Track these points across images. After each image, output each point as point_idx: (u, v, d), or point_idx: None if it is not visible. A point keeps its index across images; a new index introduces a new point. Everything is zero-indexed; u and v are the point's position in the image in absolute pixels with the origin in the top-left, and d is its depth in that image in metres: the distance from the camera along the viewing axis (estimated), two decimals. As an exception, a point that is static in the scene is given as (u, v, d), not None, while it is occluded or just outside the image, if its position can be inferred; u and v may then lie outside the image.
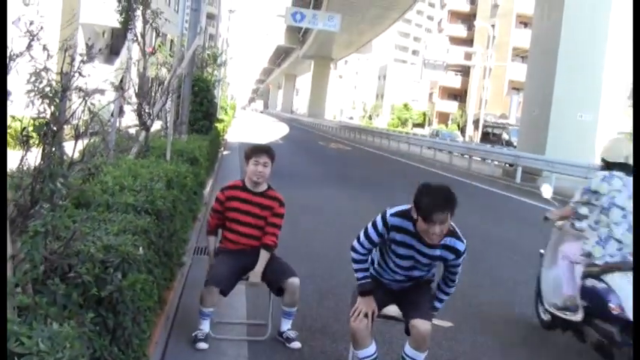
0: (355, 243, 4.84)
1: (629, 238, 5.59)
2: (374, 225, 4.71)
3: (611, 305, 5.19)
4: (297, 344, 5.71)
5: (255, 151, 5.80)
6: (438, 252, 4.64)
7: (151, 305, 4.28)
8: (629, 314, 4.92)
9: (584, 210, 6.02)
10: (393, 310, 5.00)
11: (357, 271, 4.86)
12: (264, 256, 5.73)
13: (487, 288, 8.49)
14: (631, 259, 5.45)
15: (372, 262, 5.02)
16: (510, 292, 8.35)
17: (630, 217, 5.65)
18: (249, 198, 5.82)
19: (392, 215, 4.65)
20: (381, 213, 4.72)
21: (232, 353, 5.49)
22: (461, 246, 4.65)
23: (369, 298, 4.77)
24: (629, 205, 5.65)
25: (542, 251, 6.94)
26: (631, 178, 5.70)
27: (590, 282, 5.63)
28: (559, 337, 6.32)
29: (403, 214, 4.61)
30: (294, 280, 5.63)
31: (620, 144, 6.16)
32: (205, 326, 5.61)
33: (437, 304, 5.00)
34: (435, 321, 4.99)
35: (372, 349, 4.68)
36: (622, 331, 5.03)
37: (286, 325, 5.80)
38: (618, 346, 5.04)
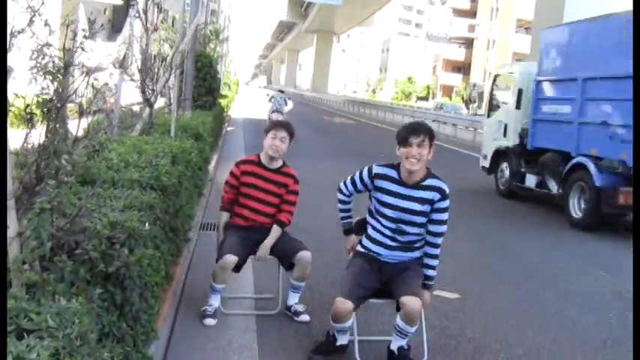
0: (341, 184, 5.17)
1: None
2: (360, 173, 4.96)
3: None
4: (305, 317, 5.72)
5: (275, 124, 5.76)
6: (422, 193, 4.70)
7: (158, 281, 4.29)
8: None
9: None
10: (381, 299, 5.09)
11: (340, 211, 5.29)
12: (275, 232, 5.70)
13: (498, 262, 8.49)
14: None
15: (366, 230, 5.07)
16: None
17: None
18: (265, 174, 5.74)
19: (377, 165, 4.88)
20: (367, 166, 4.94)
21: (240, 327, 5.51)
22: (444, 186, 4.74)
23: (350, 237, 5.29)
24: None
25: None
26: None
27: None
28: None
29: (388, 164, 4.85)
30: (306, 254, 5.61)
31: None
32: (215, 301, 5.61)
33: (429, 272, 4.93)
34: (441, 292, 5.00)
35: (348, 323, 4.80)
36: None
37: (294, 299, 5.81)
38: None
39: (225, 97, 32.28)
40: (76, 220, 3.50)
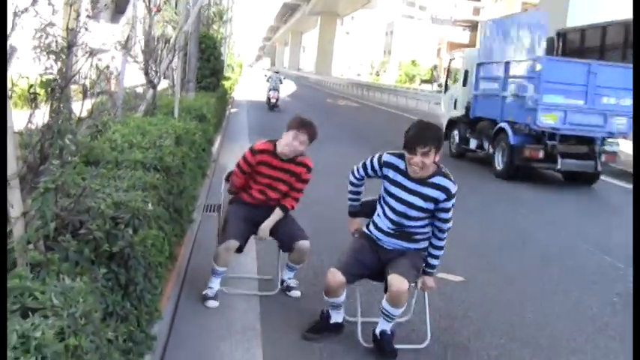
0: (354, 167, 5.18)
1: None
2: (372, 158, 4.97)
3: None
4: (296, 293, 5.81)
5: (300, 124, 5.59)
6: (427, 190, 4.67)
7: (162, 261, 4.30)
8: None
9: None
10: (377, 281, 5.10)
11: (349, 192, 5.32)
12: (276, 215, 5.69)
13: (498, 242, 8.50)
14: None
15: (373, 214, 5.08)
16: (520, 247, 8.35)
17: None
18: (279, 165, 5.66)
19: (387, 154, 4.88)
20: (378, 153, 4.94)
21: (243, 307, 5.52)
22: (451, 186, 4.68)
23: (354, 220, 5.37)
24: None
25: None
26: None
27: None
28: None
29: (397, 154, 4.82)
30: (305, 244, 5.62)
31: None
32: (216, 284, 5.61)
33: (432, 261, 4.93)
34: (447, 275, 4.99)
35: (341, 298, 4.86)
36: None
37: (288, 275, 5.85)
38: None
39: (228, 79, 32.20)
40: (80, 200, 3.50)
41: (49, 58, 3.25)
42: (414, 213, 4.75)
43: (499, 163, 14.66)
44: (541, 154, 13.69)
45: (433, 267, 4.96)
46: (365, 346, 4.85)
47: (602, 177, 14.90)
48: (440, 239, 4.89)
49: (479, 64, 16.67)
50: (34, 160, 3.12)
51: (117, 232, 3.52)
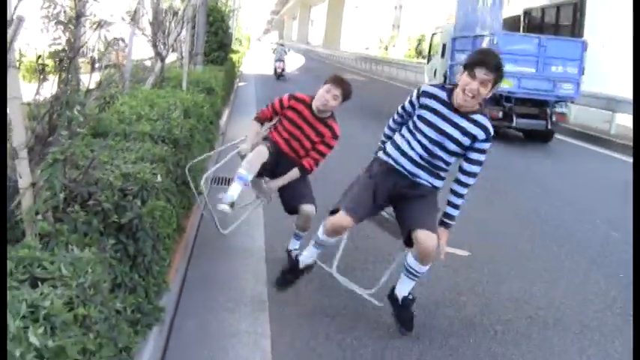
0: (389, 120, 5.00)
1: None
2: (409, 97, 4.71)
3: None
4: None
5: (335, 80, 5.61)
6: (468, 125, 4.44)
7: (170, 232, 4.32)
8: None
9: None
10: (388, 211, 4.94)
11: (383, 137, 5.06)
12: (292, 174, 5.64)
13: (507, 217, 8.49)
14: None
15: (392, 141, 4.85)
16: (529, 225, 8.35)
17: None
18: (309, 118, 5.67)
19: (428, 85, 4.66)
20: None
21: (251, 279, 5.53)
22: (490, 126, 4.48)
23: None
24: None
25: None
26: None
27: None
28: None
29: (439, 85, 4.62)
30: (309, 208, 5.56)
31: None
32: (237, 193, 5.49)
33: (452, 211, 4.64)
34: (452, 249, 4.92)
35: (333, 241, 4.82)
36: None
37: (294, 245, 5.81)
38: None
39: (236, 52, 32.19)
40: (89, 172, 3.51)
41: (57, 28, 3.24)
42: (450, 145, 4.50)
43: None
44: (500, 115, 15.94)
45: (452, 218, 4.67)
46: (373, 313, 4.87)
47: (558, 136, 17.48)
48: (464, 185, 4.60)
49: (454, 39, 19.19)
50: (42, 131, 3.12)
51: (125, 203, 3.53)
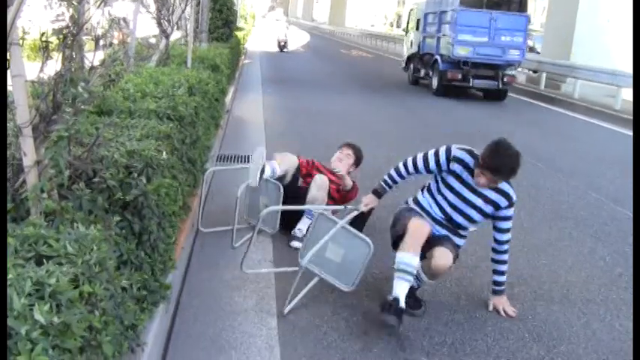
0: (399, 164, 4.93)
1: None
2: (436, 154, 4.69)
3: None
4: (296, 244, 5.72)
5: (345, 145, 6.53)
6: (490, 192, 4.56)
7: (175, 210, 4.31)
8: None
9: None
10: None
11: (389, 177, 5.00)
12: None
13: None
14: None
15: (414, 198, 4.95)
16: (533, 197, 8.33)
17: None
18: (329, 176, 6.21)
19: (457, 149, 4.63)
20: (444, 146, 4.69)
21: (257, 257, 5.53)
22: (512, 193, 4.61)
23: (373, 196, 5.05)
24: None
25: None
26: None
27: None
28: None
29: (468, 151, 4.61)
30: (320, 177, 5.96)
31: None
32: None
33: (499, 278, 4.88)
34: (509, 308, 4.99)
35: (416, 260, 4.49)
36: None
37: (303, 224, 5.91)
38: None
39: (241, 29, 32.06)
40: (94, 149, 3.50)
41: (60, 5, 3.21)
42: (471, 212, 4.62)
43: (434, 85, 20.57)
44: (459, 76, 19.51)
45: (501, 284, 4.90)
46: (378, 291, 4.87)
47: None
48: (502, 253, 4.82)
49: (426, 14, 22.21)
50: (46, 109, 3.11)
51: (130, 180, 3.52)
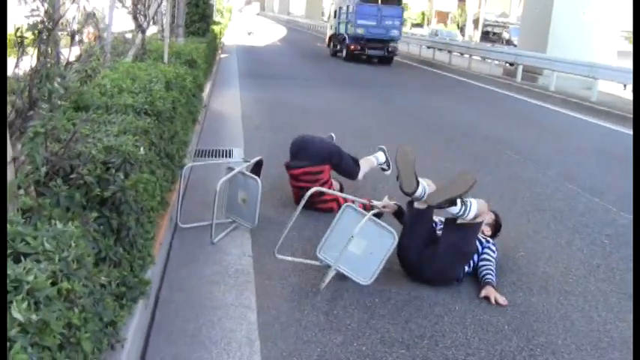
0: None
1: None
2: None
3: None
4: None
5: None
6: None
7: (154, 206, 4.29)
8: None
9: None
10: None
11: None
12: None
13: (488, 185, 8.50)
14: None
15: None
16: (511, 189, 8.37)
17: None
18: None
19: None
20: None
21: (237, 253, 5.53)
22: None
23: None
24: None
25: None
26: None
27: None
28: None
29: None
30: None
31: None
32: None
33: (487, 271, 5.25)
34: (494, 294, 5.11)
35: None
36: None
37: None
38: None
39: (218, 24, 31.95)
40: (71, 145, 3.48)
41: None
42: None
43: (344, 54, 30.64)
44: (359, 48, 29.71)
45: (490, 276, 5.22)
46: (358, 284, 4.90)
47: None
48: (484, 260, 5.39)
49: (340, 7, 32.11)
50: (22, 105, 3.08)
51: (108, 176, 3.50)
